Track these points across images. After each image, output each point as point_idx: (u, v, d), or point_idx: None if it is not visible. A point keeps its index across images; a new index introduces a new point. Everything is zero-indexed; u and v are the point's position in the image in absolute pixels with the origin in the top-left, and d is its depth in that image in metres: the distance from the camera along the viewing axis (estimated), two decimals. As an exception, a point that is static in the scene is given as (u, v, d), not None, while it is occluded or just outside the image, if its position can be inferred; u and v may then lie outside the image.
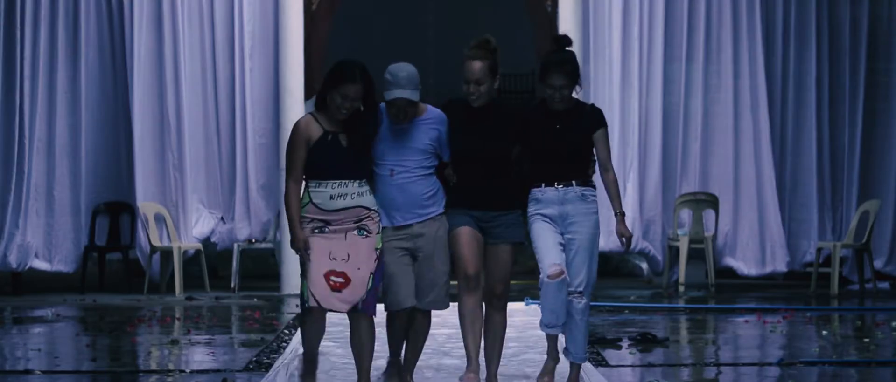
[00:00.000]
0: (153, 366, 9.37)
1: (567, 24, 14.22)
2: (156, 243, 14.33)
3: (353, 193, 7.53)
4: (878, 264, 14.94)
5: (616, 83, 14.76)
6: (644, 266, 15.59)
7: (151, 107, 14.60)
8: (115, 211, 14.76)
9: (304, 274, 7.55)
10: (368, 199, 7.60)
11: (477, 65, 7.75)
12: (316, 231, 7.52)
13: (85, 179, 14.61)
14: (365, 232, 7.58)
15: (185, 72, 14.60)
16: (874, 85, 15.30)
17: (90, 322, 12.02)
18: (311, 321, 7.66)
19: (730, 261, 15.01)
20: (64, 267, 14.60)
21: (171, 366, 9.21)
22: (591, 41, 14.75)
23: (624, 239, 7.91)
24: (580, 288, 7.87)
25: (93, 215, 14.62)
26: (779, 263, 14.97)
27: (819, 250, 14.73)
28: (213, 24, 14.67)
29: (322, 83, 7.59)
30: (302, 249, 7.54)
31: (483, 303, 7.95)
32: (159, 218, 14.47)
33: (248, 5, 14.54)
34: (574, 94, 7.87)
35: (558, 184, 7.86)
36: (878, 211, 14.66)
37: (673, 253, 14.75)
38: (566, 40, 7.97)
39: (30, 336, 10.99)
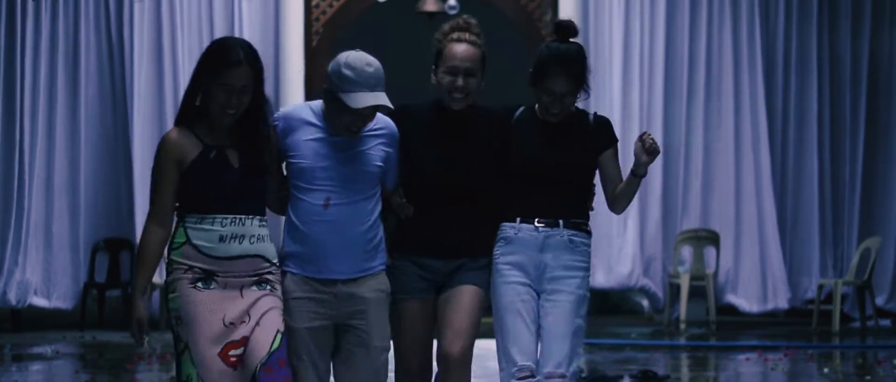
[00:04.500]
0: (152, 405, 9.34)
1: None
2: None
3: (252, 235, 5.25)
4: (879, 301, 14.89)
5: (616, 121, 14.69)
6: (645, 303, 15.54)
7: (152, 142, 14.53)
8: (115, 247, 14.72)
9: (181, 351, 5.21)
10: (270, 248, 5.33)
11: (467, 50, 5.62)
12: (198, 284, 5.19)
13: (84, 215, 14.56)
14: (268, 287, 5.30)
15: (186, 108, 14.57)
16: (875, 121, 15.30)
17: (89, 359, 11.97)
18: None
19: (731, 298, 14.97)
20: (63, 304, 14.53)
21: (170, 405, 9.17)
22: (592, 80, 14.70)
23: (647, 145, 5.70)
24: (560, 369, 5.60)
25: (92, 251, 14.58)
26: (780, 300, 14.93)
27: (820, 287, 14.67)
28: (213, 58, 14.65)
29: (193, 74, 5.28)
30: (134, 331, 5.23)
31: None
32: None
33: (249, 35, 14.50)
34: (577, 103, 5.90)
35: (540, 222, 5.68)
36: (879, 248, 14.62)
37: (674, 290, 14.71)
38: (571, 28, 5.81)
39: (29, 374, 10.95)
